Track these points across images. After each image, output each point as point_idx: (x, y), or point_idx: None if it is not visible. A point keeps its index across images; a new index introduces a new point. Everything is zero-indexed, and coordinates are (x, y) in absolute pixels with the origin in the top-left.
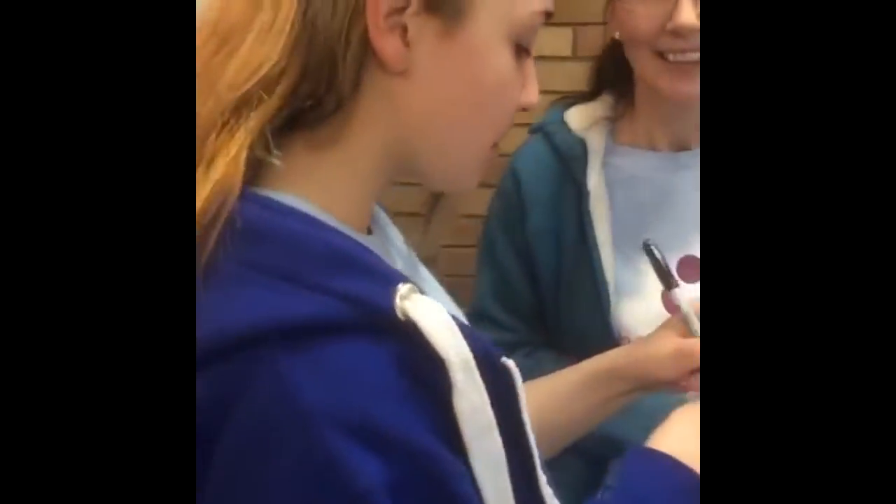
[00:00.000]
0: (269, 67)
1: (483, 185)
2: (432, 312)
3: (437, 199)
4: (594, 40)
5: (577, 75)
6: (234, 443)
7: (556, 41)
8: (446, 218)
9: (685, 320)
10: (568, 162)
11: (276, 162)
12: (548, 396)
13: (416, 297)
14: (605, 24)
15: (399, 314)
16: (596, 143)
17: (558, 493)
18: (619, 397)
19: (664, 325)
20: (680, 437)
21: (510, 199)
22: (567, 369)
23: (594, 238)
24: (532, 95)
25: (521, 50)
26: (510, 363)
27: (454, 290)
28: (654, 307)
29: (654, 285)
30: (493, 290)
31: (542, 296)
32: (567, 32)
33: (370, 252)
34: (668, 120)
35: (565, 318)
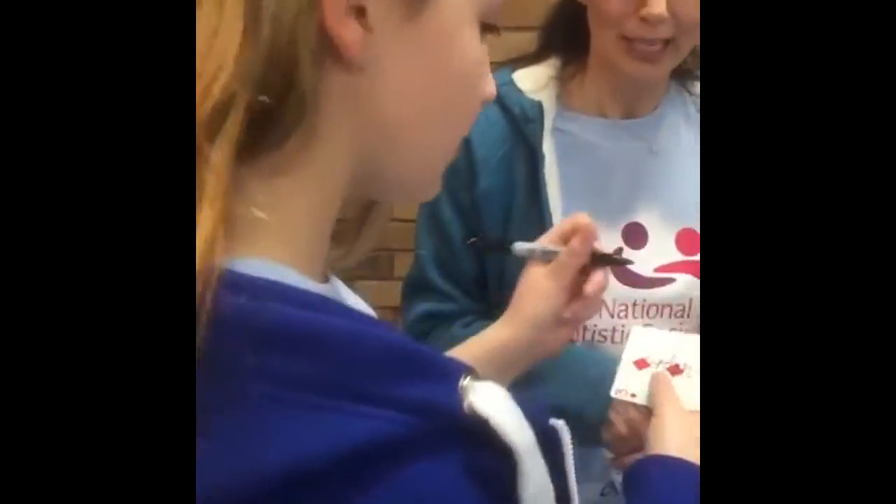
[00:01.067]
0: (227, 77)
1: None
2: (496, 401)
3: (371, 204)
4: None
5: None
6: None
7: None
8: (379, 222)
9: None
10: (521, 125)
11: (261, 215)
12: None
13: (476, 385)
14: None
15: (468, 412)
16: (548, 106)
17: None
18: (515, 371)
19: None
20: (678, 433)
21: (458, 162)
22: (471, 341)
23: (546, 203)
24: (491, 87)
25: (486, 29)
26: (559, 424)
27: (376, 263)
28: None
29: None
30: (435, 256)
31: (484, 262)
32: None
33: (414, 341)
34: (621, 90)
35: (510, 284)
